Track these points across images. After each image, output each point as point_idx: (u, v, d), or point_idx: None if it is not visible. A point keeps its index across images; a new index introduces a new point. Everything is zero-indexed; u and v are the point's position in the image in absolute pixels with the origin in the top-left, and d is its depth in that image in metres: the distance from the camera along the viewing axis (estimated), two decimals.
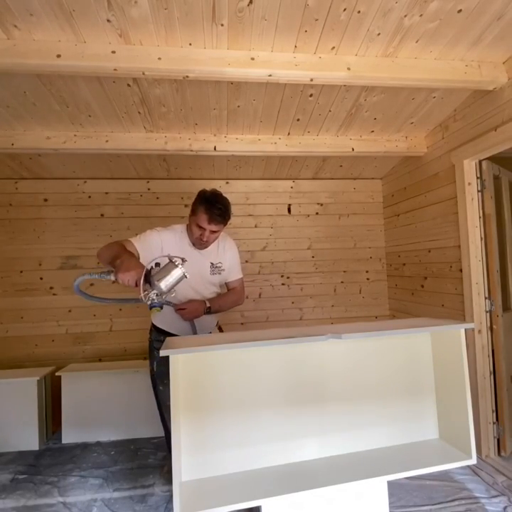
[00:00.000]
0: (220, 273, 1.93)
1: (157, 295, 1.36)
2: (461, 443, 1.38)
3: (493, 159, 2.33)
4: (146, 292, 1.36)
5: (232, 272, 1.99)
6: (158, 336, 1.89)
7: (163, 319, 1.88)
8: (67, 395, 2.69)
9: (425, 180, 2.83)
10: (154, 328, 1.96)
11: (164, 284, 1.36)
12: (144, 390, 2.74)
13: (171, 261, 1.38)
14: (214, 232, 1.77)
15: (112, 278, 1.37)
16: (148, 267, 1.39)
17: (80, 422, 2.68)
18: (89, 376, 2.74)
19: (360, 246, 3.58)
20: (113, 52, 1.72)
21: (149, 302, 1.36)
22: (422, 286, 2.92)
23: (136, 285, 1.34)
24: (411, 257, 3.10)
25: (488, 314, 2.31)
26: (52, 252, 3.22)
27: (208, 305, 1.83)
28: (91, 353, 3.22)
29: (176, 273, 1.37)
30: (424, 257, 2.88)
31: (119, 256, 1.44)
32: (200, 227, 1.74)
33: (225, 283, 2.02)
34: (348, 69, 1.87)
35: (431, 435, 1.49)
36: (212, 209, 1.69)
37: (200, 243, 1.80)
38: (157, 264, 1.41)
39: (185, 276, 1.38)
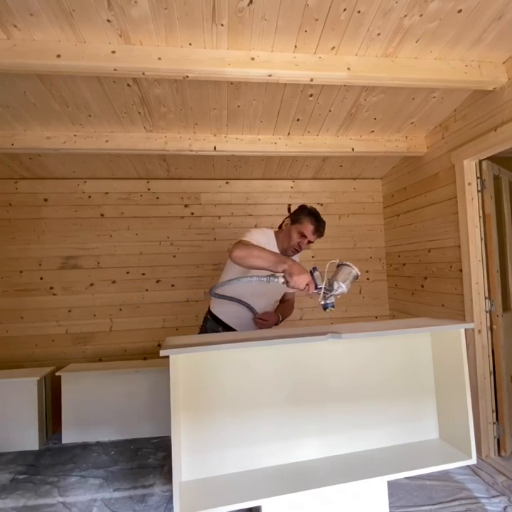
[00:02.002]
0: (285, 284, 2.03)
1: (332, 296, 1.44)
2: (461, 443, 1.38)
3: (493, 159, 2.33)
4: (326, 294, 1.42)
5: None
6: (217, 326, 1.95)
7: (228, 313, 1.94)
8: (67, 395, 2.69)
9: (425, 180, 2.83)
10: (212, 318, 2.00)
11: (347, 285, 1.42)
12: (144, 390, 2.74)
13: (344, 264, 1.43)
14: (310, 242, 1.94)
15: (281, 280, 1.43)
16: (310, 270, 1.45)
17: (80, 422, 2.68)
18: (89, 376, 2.74)
19: (360, 246, 3.59)
20: (113, 52, 1.72)
21: (328, 302, 1.42)
22: (422, 286, 2.92)
23: (308, 288, 1.40)
24: (411, 257, 3.10)
25: (488, 314, 2.31)
26: (52, 252, 3.22)
27: (280, 318, 2.00)
28: (91, 353, 3.23)
29: (352, 275, 1.42)
30: (424, 257, 2.88)
31: (275, 259, 1.48)
32: (303, 236, 1.90)
33: (284, 293, 2.13)
34: (348, 69, 1.87)
35: (431, 435, 1.49)
36: (319, 222, 1.92)
37: (293, 250, 1.92)
38: (314, 268, 1.46)
39: (358, 277, 1.44)
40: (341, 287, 1.41)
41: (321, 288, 1.41)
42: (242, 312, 1.92)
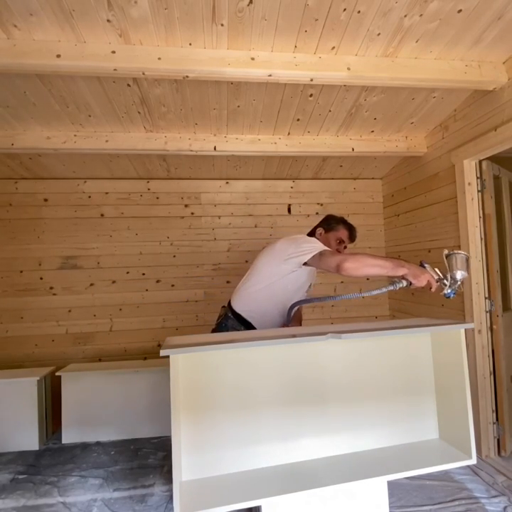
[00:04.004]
0: (307, 291, 2.10)
1: (456, 285, 1.49)
2: (461, 443, 1.38)
3: (493, 159, 2.33)
4: (452, 284, 1.48)
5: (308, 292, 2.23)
6: (239, 325, 1.96)
7: (258, 314, 1.94)
8: (67, 395, 2.69)
9: (425, 180, 2.83)
10: (234, 316, 1.98)
11: (467, 270, 1.49)
12: (144, 390, 2.75)
13: (454, 253, 1.50)
14: (345, 248, 2.08)
15: (405, 284, 1.47)
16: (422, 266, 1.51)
17: (80, 422, 2.68)
18: (89, 376, 2.74)
19: (360, 246, 3.58)
20: (113, 52, 1.72)
21: (450, 291, 1.48)
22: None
23: (431, 283, 1.45)
24: (411, 257, 3.09)
25: (488, 314, 2.31)
26: (52, 252, 3.22)
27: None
28: (91, 353, 3.23)
29: (465, 260, 1.50)
30: (424, 257, 2.87)
31: (392, 265, 1.50)
32: (341, 242, 2.04)
33: None
34: (348, 69, 1.87)
35: (431, 435, 1.49)
36: (352, 228, 2.09)
37: None
38: (422, 262, 1.52)
39: (469, 258, 1.51)
40: (463, 274, 1.47)
41: (441, 279, 1.47)
42: (273, 316, 1.93)
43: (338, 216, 2.12)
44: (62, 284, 3.21)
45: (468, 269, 1.49)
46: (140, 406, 2.73)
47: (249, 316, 1.95)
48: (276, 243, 1.93)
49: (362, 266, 1.52)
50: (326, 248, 1.74)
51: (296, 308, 1.88)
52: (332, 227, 2.06)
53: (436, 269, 1.49)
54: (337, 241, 2.03)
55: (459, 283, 1.48)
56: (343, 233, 2.05)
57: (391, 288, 1.48)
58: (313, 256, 1.69)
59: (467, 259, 1.49)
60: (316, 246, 1.74)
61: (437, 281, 1.47)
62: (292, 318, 2.08)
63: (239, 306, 1.99)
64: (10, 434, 2.58)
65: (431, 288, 1.46)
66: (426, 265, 1.49)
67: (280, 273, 1.84)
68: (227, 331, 1.96)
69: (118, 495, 2.03)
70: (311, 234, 2.09)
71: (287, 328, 2.03)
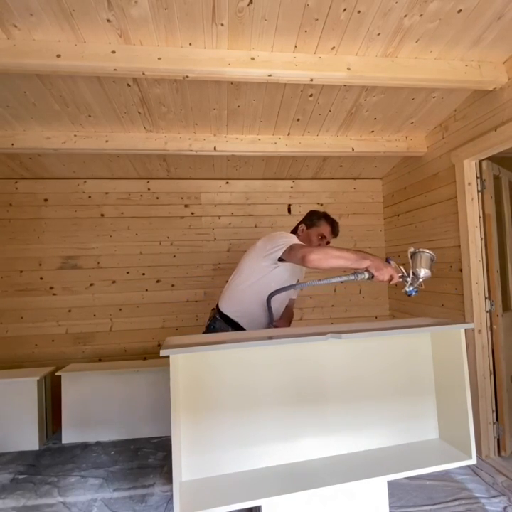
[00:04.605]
0: (296, 289, 2.10)
1: (417, 282, 1.51)
2: (461, 443, 1.37)
3: (493, 159, 2.33)
4: (413, 281, 1.50)
5: (296, 291, 2.25)
6: (226, 326, 1.97)
7: (244, 315, 1.95)
8: (67, 395, 2.69)
9: (425, 180, 2.83)
10: (221, 318, 2.00)
11: (430, 270, 1.51)
12: (144, 390, 2.74)
13: (420, 251, 1.52)
14: (328, 243, 2.07)
15: (367, 276, 1.48)
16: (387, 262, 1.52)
17: (80, 422, 2.68)
18: (89, 376, 2.74)
19: (360, 246, 3.58)
20: (113, 52, 1.72)
21: (413, 289, 1.50)
22: (422, 286, 2.92)
23: (393, 278, 1.47)
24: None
25: (488, 314, 2.31)
26: (52, 252, 3.22)
27: (289, 325, 2.14)
28: (91, 353, 3.23)
29: (430, 259, 1.51)
30: None
31: (356, 257, 1.51)
32: (323, 237, 2.03)
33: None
34: (348, 69, 1.87)
35: (431, 435, 1.49)
36: (334, 223, 2.09)
37: None
38: (388, 259, 1.54)
39: (434, 258, 1.52)
40: (426, 272, 1.49)
41: (405, 276, 1.49)
42: (259, 316, 1.93)
43: (320, 212, 2.12)
44: (62, 284, 3.21)
45: (431, 268, 1.50)
46: (140, 406, 2.73)
47: (236, 316, 1.96)
48: (257, 242, 1.95)
49: (326, 257, 1.54)
50: (297, 242, 1.75)
51: (277, 296, 1.84)
52: (314, 223, 2.06)
53: (402, 267, 1.50)
54: (319, 236, 2.03)
55: (420, 281, 1.49)
56: (324, 229, 2.05)
57: (352, 278, 1.49)
58: (285, 250, 1.70)
59: (432, 259, 1.50)
60: (288, 240, 1.75)
61: (400, 278, 1.48)
62: (281, 317, 2.09)
63: (225, 307, 2.00)
64: (10, 434, 2.58)
65: (390, 281, 1.47)
66: (391, 261, 1.50)
67: (262, 271, 1.85)
68: (216, 332, 1.97)
69: (118, 495, 2.03)
70: (295, 230, 2.09)
71: (287, 328, 2.03)
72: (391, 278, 1.46)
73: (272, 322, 1.91)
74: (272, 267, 1.83)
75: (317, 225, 2.05)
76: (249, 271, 1.93)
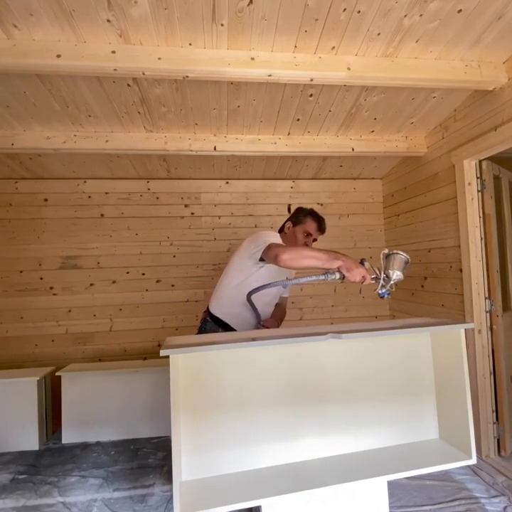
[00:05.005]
0: (285, 287, 2.12)
1: (389, 285, 1.48)
2: (461, 443, 1.37)
3: (493, 159, 2.33)
4: (383, 283, 1.47)
5: (287, 289, 2.23)
6: (217, 328, 1.96)
7: (233, 316, 1.95)
8: (67, 395, 2.69)
9: (425, 180, 2.83)
10: (212, 320, 1.99)
11: (403, 272, 1.47)
12: (144, 390, 2.74)
13: (395, 252, 1.49)
14: (315, 240, 2.04)
15: (338, 276, 1.47)
16: (360, 262, 1.50)
17: (80, 422, 2.68)
18: (89, 376, 2.74)
19: (360, 246, 3.58)
20: (113, 52, 1.72)
21: (384, 291, 1.47)
22: (422, 286, 2.92)
23: (365, 279, 1.45)
24: (411, 257, 3.08)
25: (488, 314, 2.31)
26: (52, 252, 3.22)
27: (279, 324, 2.09)
28: (91, 353, 3.23)
29: (404, 261, 1.48)
30: (424, 257, 2.88)
31: (328, 257, 1.50)
32: (308, 235, 2.00)
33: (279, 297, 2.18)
34: (348, 69, 1.87)
35: (431, 435, 1.49)
36: (320, 220, 2.04)
37: None
38: (363, 260, 1.51)
39: (409, 261, 1.50)
40: (398, 275, 1.46)
41: (378, 278, 1.47)
42: (247, 317, 1.93)
43: (307, 208, 2.09)
44: (62, 284, 3.21)
45: (404, 271, 1.47)
46: (140, 406, 2.73)
47: (226, 317, 1.96)
48: (243, 241, 1.93)
49: (298, 257, 1.53)
50: (275, 241, 1.74)
51: (264, 295, 1.83)
52: (300, 220, 2.04)
53: (376, 269, 1.49)
54: (304, 234, 2.00)
55: (391, 283, 1.47)
56: (310, 226, 2.02)
57: (322, 278, 1.48)
58: (263, 250, 1.69)
59: (406, 262, 1.48)
60: (267, 240, 1.75)
61: (373, 279, 1.47)
62: (272, 315, 2.08)
63: (215, 309, 2.00)
64: (10, 434, 2.58)
65: (363, 282, 1.46)
66: (365, 263, 1.49)
67: (247, 271, 1.85)
68: (205, 333, 1.97)
69: (118, 495, 2.03)
70: (282, 228, 2.08)
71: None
72: (363, 279, 1.45)
73: (259, 321, 1.91)
74: (257, 267, 1.82)
75: (303, 222, 2.03)
76: (236, 271, 1.92)
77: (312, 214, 2.05)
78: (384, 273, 1.47)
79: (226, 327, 1.95)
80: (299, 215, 2.06)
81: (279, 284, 1.63)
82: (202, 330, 2.02)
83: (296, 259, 1.53)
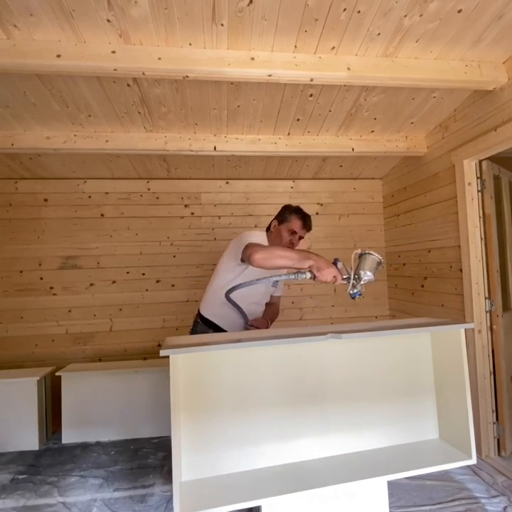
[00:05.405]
0: (275, 286, 2.11)
1: (360, 285, 1.47)
2: (461, 443, 1.37)
3: (493, 159, 2.33)
4: (354, 284, 1.46)
5: (279, 288, 2.21)
6: (207, 329, 1.96)
7: (222, 316, 1.95)
8: (67, 395, 2.69)
9: (425, 180, 2.83)
10: (202, 321, 2.00)
11: (374, 273, 1.46)
12: (144, 390, 2.74)
13: (367, 253, 1.48)
14: (301, 238, 2.02)
15: (309, 276, 1.47)
16: (333, 262, 1.49)
17: (80, 422, 2.68)
18: (89, 376, 2.74)
19: (360, 246, 3.55)
20: (113, 52, 1.72)
21: (356, 291, 1.47)
22: (422, 286, 2.92)
23: (336, 279, 1.45)
24: (411, 257, 3.10)
25: (488, 314, 2.31)
26: (52, 252, 3.22)
27: (269, 323, 2.06)
28: (91, 353, 3.23)
29: (376, 262, 1.47)
30: (424, 257, 2.88)
31: (299, 256, 1.51)
32: (293, 233, 1.98)
33: (270, 296, 2.16)
34: (348, 69, 1.87)
35: (431, 435, 1.49)
36: (306, 217, 2.02)
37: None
38: (336, 260, 1.51)
39: (381, 262, 1.48)
40: (369, 276, 1.45)
41: (349, 278, 1.46)
42: (236, 317, 1.92)
43: (293, 206, 2.07)
44: (62, 284, 3.21)
45: (375, 272, 1.46)
46: (140, 406, 2.73)
47: (216, 318, 1.96)
48: (231, 242, 1.93)
49: (270, 257, 1.54)
50: (254, 241, 1.74)
51: (252, 294, 1.84)
52: (285, 218, 2.02)
53: (349, 269, 1.48)
54: (289, 232, 1.98)
55: (362, 283, 1.46)
56: (295, 224, 1.99)
57: (292, 277, 1.50)
58: (242, 250, 1.69)
59: (379, 263, 1.47)
60: (247, 240, 1.75)
61: (344, 280, 1.47)
62: (264, 314, 2.07)
63: (205, 310, 2.01)
64: (10, 434, 2.58)
65: (334, 282, 1.45)
66: (338, 263, 1.49)
67: (234, 271, 1.85)
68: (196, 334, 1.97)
69: (118, 495, 2.03)
70: (269, 227, 2.08)
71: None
72: (335, 279, 1.45)
73: (246, 321, 1.90)
74: (241, 267, 1.82)
75: (288, 220, 2.00)
76: (223, 272, 1.92)
77: (297, 212, 2.02)
78: (355, 273, 1.47)
79: (216, 328, 1.95)
80: (285, 213, 2.04)
81: (250, 284, 1.61)
82: (193, 332, 2.02)
83: (269, 258, 1.54)
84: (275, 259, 1.53)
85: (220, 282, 1.91)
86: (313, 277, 1.46)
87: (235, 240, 1.89)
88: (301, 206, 2.09)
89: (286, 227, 1.99)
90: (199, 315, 2.03)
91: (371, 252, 1.47)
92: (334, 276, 1.44)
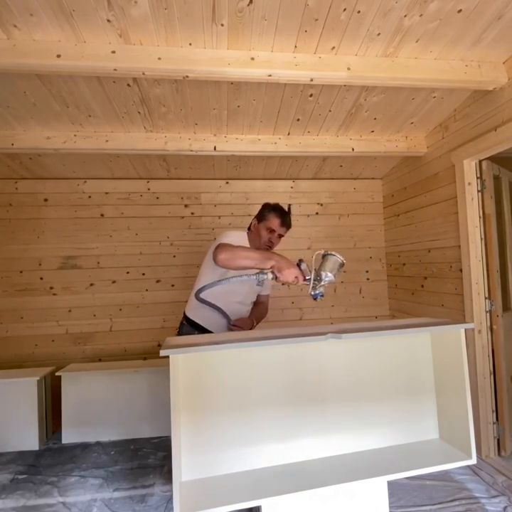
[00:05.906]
0: (261, 285, 2.09)
1: (321, 286, 1.49)
2: (461, 443, 1.37)
3: (493, 159, 2.33)
4: (315, 285, 1.48)
5: (266, 287, 2.19)
6: (192, 331, 1.96)
7: (206, 317, 1.94)
8: (67, 395, 2.69)
9: (425, 180, 2.83)
10: (187, 323, 1.99)
11: (334, 274, 1.47)
12: (144, 390, 2.74)
13: (329, 254, 1.49)
14: (280, 236, 2.01)
15: (270, 276, 1.49)
16: (297, 263, 1.51)
17: (80, 422, 2.68)
18: (89, 376, 2.74)
19: (360, 246, 3.59)
20: (113, 52, 1.72)
21: (317, 292, 1.48)
22: (422, 286, 2.92)
23: (298, 280, 1.47)
24: (411, 257, 3.10)
25: (488, 314, 2.31)
26: (52, 252, 3.22)
27: (254, 323, 2.04)
28: (91, 353, 3.23)
29: (338, 263, 1.48)
30: (424, 257, 2.88)
31: (261, 257, 1.53)
32: (271, 231, 1.96)
33: (257, 295, 2.15)
34: (348, 69, 1.87)
35: (431, 435, 1.49)
36: (284, 215, 2.00)
37: (266, 247, 1.96)
38: (301, 260, 1.52)
39: (344, 264, 1.49)
40: (329, 277, 1.46)
41: (310, 279, 1.47)
42: (217, 317, 1.91)
43: (271, 204, 2.05)
44: (62, 284, 3.21)
45: (336, 273, 1.46)
46: (140, 406, 2.73)
47: (200, 320, 1.96)
48: (214, 242, 1.92)
49: (234, 257, 1.56)
50: (227, 241, 1.75)
51: (205, 290, 1.80)
52: (263, 216, 2.01)
53: (313, 268, 1.49)
54: (268, 230, 1.97)
55: (323, 284, 1.47)
56: (273, 222, 1.98)
57: (253, 277, 1.51)
58: (217, 250, 1.69)
59: (341, 264, 1.47)
60: (220, 239, 1.77)
61: (306, 280, 1.48)
62: (251, 314, 2.06)
63: (189, 312, 2.01)
64: (10, 434, 2.58)
65: (296, 283, 1.47)
66: (302, 264, 1.49)
67: (213, 273, 1.83)
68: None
69: (118, 495, 2.03)
70: (250, 226, 2.08)
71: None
72: (296, 280, 1.46)
73: (229, 321, 1.90)
74: (221, 268, 1.78)
75: (266, 218, 1.99)
76: (205, 273, 1.92)
77: (275, 209, 2.01)
78: (317, 274, 1.47)
79: (202, 329, 1.94)
80: (264, 211, 2.03)
81: (212, 286, 1.62)
82: (179, 333, 2.02)
83: (232, 259, 1.57)
84: (238, 259, 1.55)
85: (200, 284, 1.90)
86: (275, 278, 1.48)
87: (216, 240, 1.89)
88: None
89: (264, 226, 1.98)
90: (185, 317, 2.03)
91: (333, 253, 1.47)
92: (296, 277, 1.46)
